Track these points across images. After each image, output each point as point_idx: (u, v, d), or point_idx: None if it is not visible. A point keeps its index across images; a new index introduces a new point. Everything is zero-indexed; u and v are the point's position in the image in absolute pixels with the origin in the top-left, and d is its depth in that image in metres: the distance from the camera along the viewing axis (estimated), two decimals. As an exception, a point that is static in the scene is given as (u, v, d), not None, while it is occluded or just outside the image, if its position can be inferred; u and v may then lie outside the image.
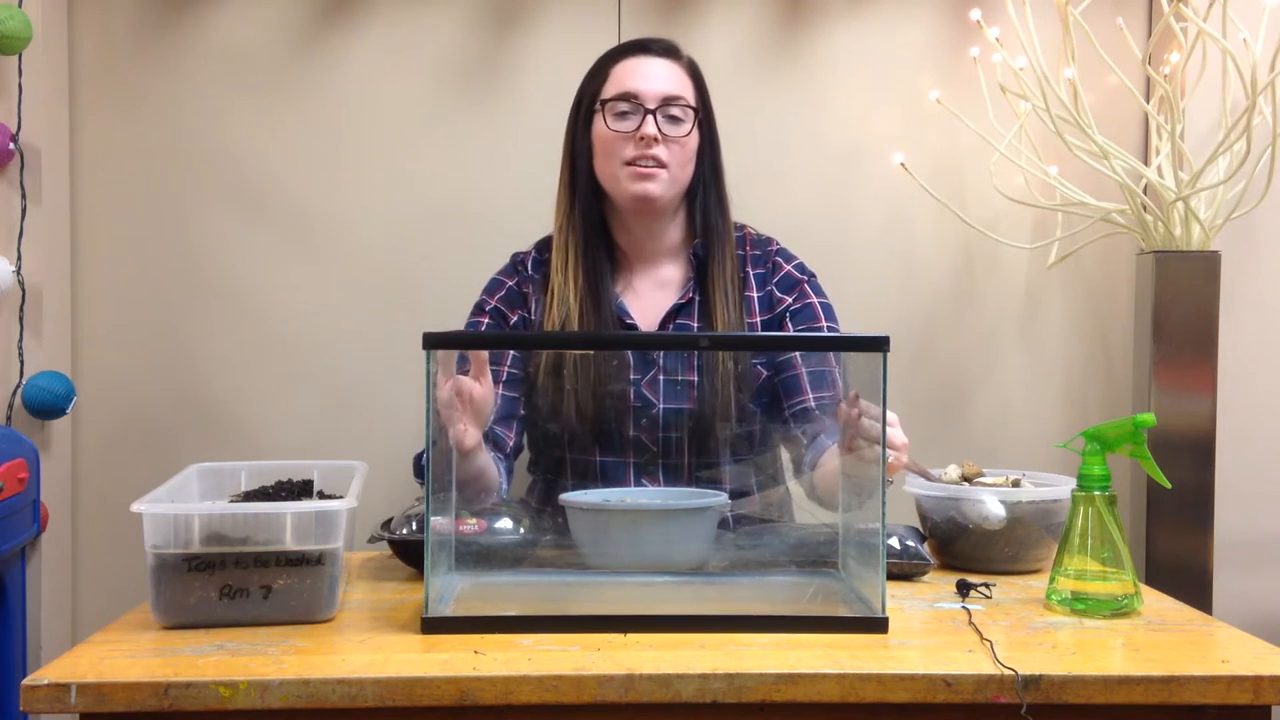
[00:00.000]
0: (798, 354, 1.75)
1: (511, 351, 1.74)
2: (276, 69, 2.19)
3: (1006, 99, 2.11)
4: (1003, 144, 2.11)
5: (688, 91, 1.74)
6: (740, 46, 2.22)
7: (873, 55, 2.24)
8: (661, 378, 1.72)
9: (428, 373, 1.26)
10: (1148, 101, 2.15)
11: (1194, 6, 2.01)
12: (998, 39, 2.08)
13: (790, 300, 1.79)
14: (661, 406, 1.72)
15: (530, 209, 2.13)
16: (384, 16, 2.20)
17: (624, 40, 1.92)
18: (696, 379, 1.72)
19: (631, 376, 1.72)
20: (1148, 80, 2.15)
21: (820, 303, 1.80)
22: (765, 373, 1.76)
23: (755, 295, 1.78)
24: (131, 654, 1.17)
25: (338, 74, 2.20)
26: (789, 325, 1.78)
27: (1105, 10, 2.14)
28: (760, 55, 2.23)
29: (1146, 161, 2.16)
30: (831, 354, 1.73)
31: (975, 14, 2.09)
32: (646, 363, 1.73)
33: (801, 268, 1.82)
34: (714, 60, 2.07)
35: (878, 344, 1.28)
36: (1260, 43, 1.94)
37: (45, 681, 1.09)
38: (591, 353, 1.70)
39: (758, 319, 1.78)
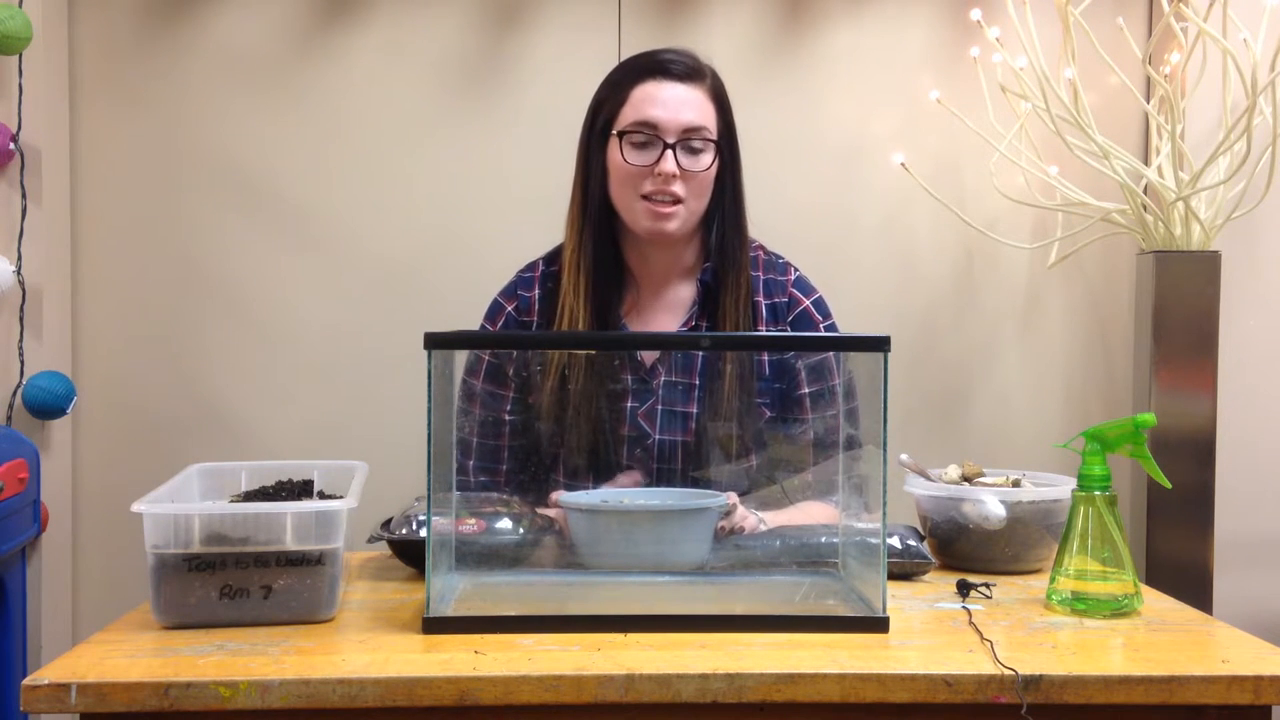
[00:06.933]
0: (807, 401, 1.72)
1: (510, 398, 1.73)
2: (276, 69, 2.19)
3: (1006, 99, 2.11)
4: (1003, 144, 2.11)
5: (709, 119, 1.68)
6: (740, 46, 2.22)
7: (873, 55, 2.24)
8: (659, 408, 1.69)
9: (428, 372, 1.26)
10: (1148, 101, 2.15)
11: (1194, 6, 2.02)
12: (998, 39, 2.08)
13: None
14: (657, 437, 1.69)
15: (530, 208, 2.14)
16: (384, 16, 2.20)
17: (642, 50, 1.79)
18: (695, 411, 1.69)
19: (629, 404, 1.70)
20: (1148, 80, 2.15)
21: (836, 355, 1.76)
22: (769, 413, 1.72)
23: (766, 330, 1.74)
24: (131, 654, 1.17)
25: (338, 74, 2.20)
26: (802, 373, 1.73)
27: (1105, 10, 2.14)
28: (760, 55, 2.23)
29: (1147, 161, 2.16)
30: (841, 402, 1.70)
31: (975, 14, 2.09)
32: (645, 392, 1.70)
33: (820, 304, 1.78)
34: (714, 60, 2.07)
35: (878, 344, 1.28)
36: (1260, 43, 1.94)
37: (45, 681, 1.09)
38: (589, 385, 1.68)
39: (766, 358, 1.73)
